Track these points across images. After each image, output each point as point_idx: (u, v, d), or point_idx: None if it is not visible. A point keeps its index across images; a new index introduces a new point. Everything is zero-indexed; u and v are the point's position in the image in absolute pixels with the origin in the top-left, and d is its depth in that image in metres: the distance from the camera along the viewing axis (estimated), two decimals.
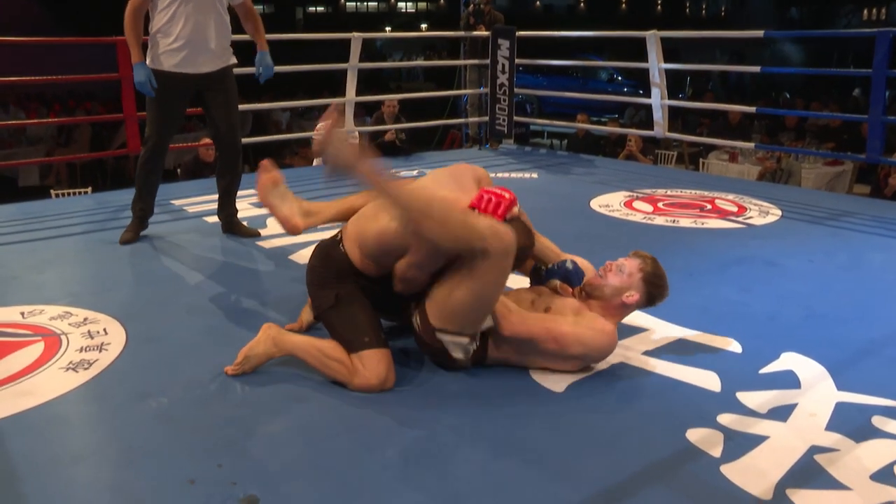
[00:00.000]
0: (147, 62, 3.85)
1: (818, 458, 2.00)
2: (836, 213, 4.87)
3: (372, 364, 2.34)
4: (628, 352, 2.66)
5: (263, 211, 4.71)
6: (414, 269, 2.39)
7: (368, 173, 2.23)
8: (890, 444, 2.07)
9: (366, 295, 2.48)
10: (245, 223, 4.33)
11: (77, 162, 9.74)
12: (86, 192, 6.65)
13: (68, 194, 6.58)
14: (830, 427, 2.16)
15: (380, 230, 2.40)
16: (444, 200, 2.31)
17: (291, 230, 2.73)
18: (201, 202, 4.86)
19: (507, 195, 2.38)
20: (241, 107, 4.62)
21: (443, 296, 2.34)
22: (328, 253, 2.54)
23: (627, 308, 2.59)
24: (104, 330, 2.85)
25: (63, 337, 2.78)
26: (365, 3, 33.67)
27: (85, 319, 2.95)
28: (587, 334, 2.43)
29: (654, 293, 2.58)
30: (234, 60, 4.09)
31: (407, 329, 2.66)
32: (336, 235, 2.57)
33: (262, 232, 4.26)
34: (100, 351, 2.67)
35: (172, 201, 5.02)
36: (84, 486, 1.90)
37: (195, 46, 3.86)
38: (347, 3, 33.43)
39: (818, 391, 2.38)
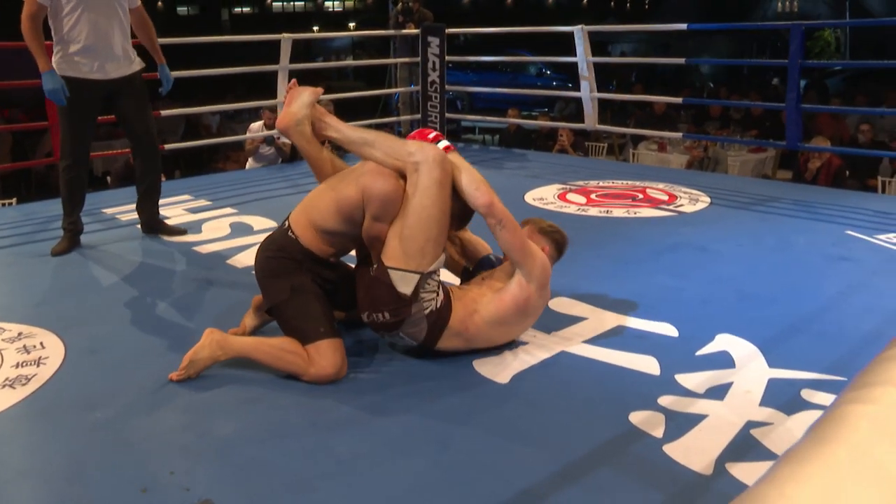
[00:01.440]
0: (56, 70, 3.77)
1: (754, 432, 2.09)
2: (762, 198, 5.05)
3: (328, 354, 2.40)
4: (569, 341, 2.73)
5: (198, 216, 4.68)
6: (377, 224, 2.47)
7: (323, 113, 2.73)
8: (817, 415, 2.16)
9: (318, 286, 2.54)
10: (171, 224, 4.32)
11: None
12: (10, 203, 6.45)
13: None
14: (764, 402, 2.26)
15: (334, 200, 2.53)
16: (378, 132, 2.68)
17: (278, 122, 2.77)
18: (133, 210, 4.77)
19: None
20: (172, 112, 4.56)
21: (394, 234, 2.46)
22: (279, 243, 2.58)
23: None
24: (41, 344, 2.79)
25: None
26: (292, 3, 33.28)
27: (19, 334, 2.88)
28: (529, 266, 2.54)
29: (556, 238, 2.78)
30: (142, 65, 4.05)
31: (357, 325, 2.70)
32: (283, 224, 2.63)
33: (197, 237, 4.21)
34: (37, 365, 2.61)
35: (104, 210, 4.92)
36: (32, 502, 1.87)
37: (101, 52, 3.81)
38: (274, 3, 33.00)
39: (751, 369, 2.48)
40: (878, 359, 0.94)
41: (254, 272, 2.64)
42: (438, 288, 2.49)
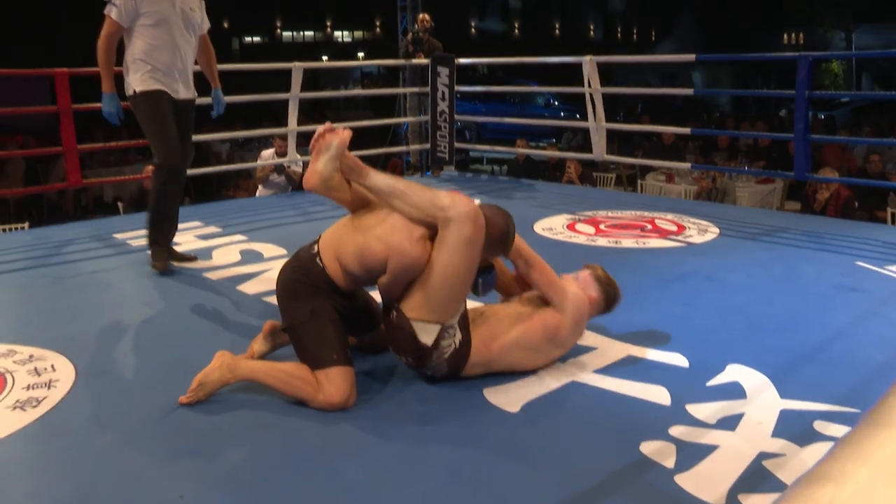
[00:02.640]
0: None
1: (766, 463, 2.08)
2: (771, 228, 5.05)
3: (338, 381, 2.39)
4: (580, 371, 2.72)
5: (208, 243, 4.70)
6: (394, 281, 2.47)
7: (354, 162, 2.61)
8: (831, 447, 2.16)
9: (337, 312, 2.52)
10: (180, 251, 4.33)
11: (11, 197, 9.48)
12: (22, 228, 6.49)
13: (4, 230, 6.42)
14: (776, 434, 2.24)
15: (359, 250, 2.49)
16: (409, 182, 2.58)
17: (305, 181, 2.69)
18: (145, 236, 4.79)
19: None
20: None
21: (418, 286, 2.45)
22: (305, 266, 2.57)
23: (590, 306, 2.77)
24: (52, 366, 2.79)
25: (7, 375, 2.71)
26: (301, 33, 33.66)
27: (30, 357, 2.89)
28: (559, 297, 2.63)
29: (608, 290, 2.82)
30: (195, 94, 4.15)
31: (370, 351, 2.70)
32: (312, 249, 2.60)
33: (208, 263, 4.23)
34: (48, 388, 2.61)
35: (115, 235, 4.94)
36: None
37: (178, 73, 3.93)
38: (284, 33, 33.39)
39: (763, 400, 2.47)
40: None
41: (275, 290, 2.64)
42: (456, 330, 2.49)
